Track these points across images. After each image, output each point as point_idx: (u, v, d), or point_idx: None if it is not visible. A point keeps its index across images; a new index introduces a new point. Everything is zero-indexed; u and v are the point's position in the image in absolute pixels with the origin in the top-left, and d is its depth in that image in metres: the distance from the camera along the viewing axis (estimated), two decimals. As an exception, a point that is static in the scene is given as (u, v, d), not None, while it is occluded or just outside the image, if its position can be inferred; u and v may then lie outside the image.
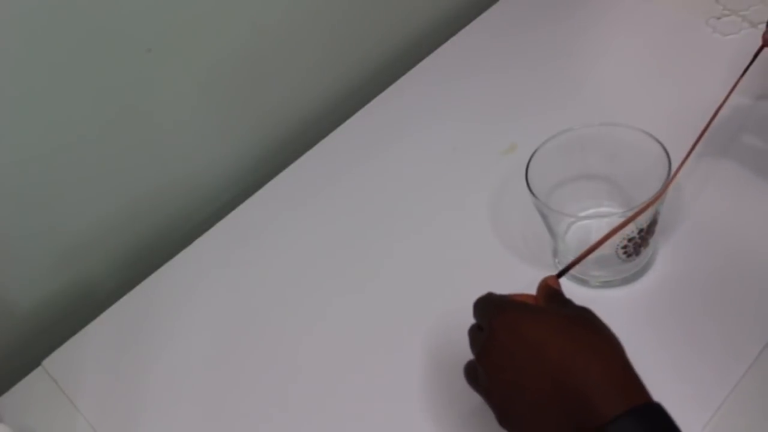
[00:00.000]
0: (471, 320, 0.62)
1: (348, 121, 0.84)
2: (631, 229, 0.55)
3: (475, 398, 0.57)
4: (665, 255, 0.61)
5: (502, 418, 0.46)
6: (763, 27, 0.79)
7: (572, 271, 0.61)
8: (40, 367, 0.68)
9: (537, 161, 0.59)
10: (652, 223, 0.57)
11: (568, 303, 0.48)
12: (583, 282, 0.61)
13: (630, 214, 0.53)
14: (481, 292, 0.63)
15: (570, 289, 0.60)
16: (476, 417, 0.56)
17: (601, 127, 0.59)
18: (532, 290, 0.51)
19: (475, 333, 0.49)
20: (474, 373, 0.49)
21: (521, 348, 0.44)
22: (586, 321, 0.45)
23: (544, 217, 0.58)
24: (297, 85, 0.83)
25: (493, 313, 0.47)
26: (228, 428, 0.60)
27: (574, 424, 0.41)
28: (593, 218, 0.62)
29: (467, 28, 0.90)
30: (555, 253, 0.63)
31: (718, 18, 0.81)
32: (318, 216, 0.75)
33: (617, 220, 0.53)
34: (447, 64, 0.87)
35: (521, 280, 0.62)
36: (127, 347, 0.68)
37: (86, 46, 0.63)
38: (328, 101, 0.87)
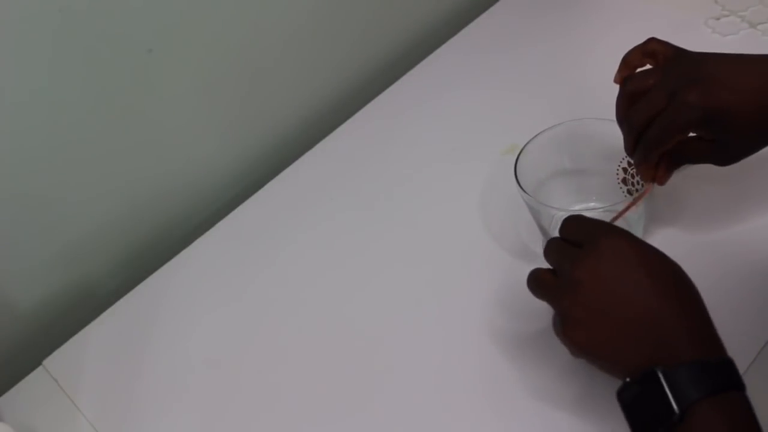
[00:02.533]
0: (472, 320, 0.62)
1: (348, 121, 0.84)
2: (618, 222, 0.55)
3: (473, 398, 0.57)
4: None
5: (572, 329, 0.48)
6: (763, 27, 0.79)
7: None
8: (40, 367, 0.68)
9: (526, 156, 0.59)
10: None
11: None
12: None
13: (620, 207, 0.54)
14: (481, 291, 0.63)
15: None
16: (476, 412, 0.56)
17: (591, 121, 0.60)
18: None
19: (561, 245, 0.51)
20: (539, 281, 0.51)
21: (625, 272, 0.47)
22: (679, 269, 0.48)
23: (532, 211, 0.59)
24: (297, 85, 0.83)
25: (603, 232, 0.49)
26: (228, 428, 0.60)
27: (648, 355, 0.44)
28: (581, 212, 0.62)
29: (467, 28, 0.90)
30: (543, 246, 0.63)
31: (717, 18, 0.81)
32: (318, 216, 0.75)
33: (605, 214, 0.54)
34: (447, 64, 0.87)
35: (516, 260, 0.62)
36: (127, 347, 0.68)
37: (86, 46, 0.63)
38: (328, 101, 0.87)
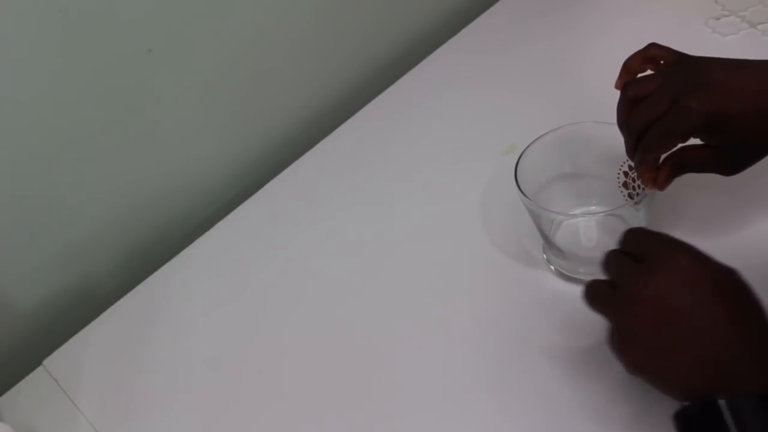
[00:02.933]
0: (473, 319, 0.62)
1: (348, 121, 0.84)
2: (620, 225, 0.55)
3: (471, 398, 0.57)
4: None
5: (630, 345, 0.46)
6: (763, 27, 0.79)
7: (564, 271, 0.61)
8: (40, 367, 0.68)
9: (527, 160, 0.59)
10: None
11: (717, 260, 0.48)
12: (574, 280, 0.60)
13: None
14: (481, 290, 0.63)
15: (563, 289, 0.60)
16: (474, 413, 0.56)
17: (591, 124, 0.60)
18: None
19: (621, 258, 0.48)
20: (597, 293, 0.49)
21: (689, 290, 0.45)
22: (746, 286, 0.46)
23: (533, 215, 0.59)
24: (297, 85, 0.83)
25: (667, 247, 0.47)
26: (228, 428, 0.60)
27: (710, 378, 0.42)
28: (581, 216, 0.62)
29: (467, 28, 0.90)
30: (544, 250, 0.63)
31: (717, 18, 0.81)
32: (318, 216, 0.75)
33: (605, 219, 0.53)
34: (447, 64, 0.87)
35: (526, 281, 0.62)
36: (127, 347, 0.68)
37: (87, 46, 0.63)
38: (328, 101, 0.87)
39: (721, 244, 0.58)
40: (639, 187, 0.59)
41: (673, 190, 0.56)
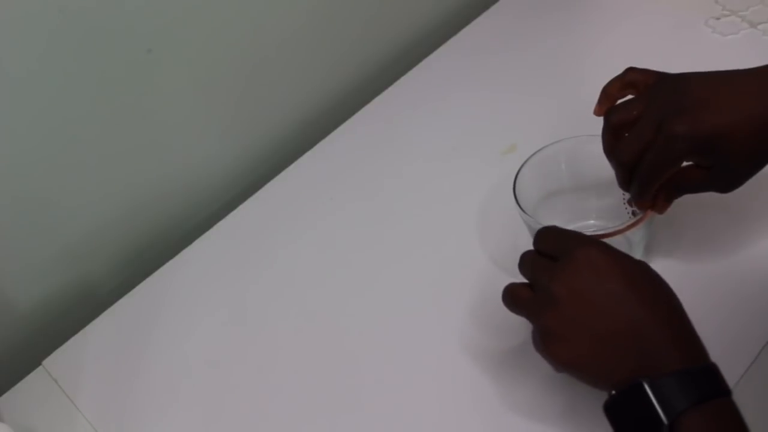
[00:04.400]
0: (472, 319, 0.62)
1: (348, 121, 0.84)
2: (619, 242, 0.54)
3: (467, 407, 0.57)
4: (662, 255, 0.61)
5: (553, 345, 0.47)
6: (763, 27, 0.79)
7: None
8: (40, 367, 0.68)
9: (525, 174, 0.58)
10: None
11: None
12: None
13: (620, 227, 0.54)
14: (481, 290, 0.63)
15: None
16: (469, 423, 0.56)
17: (590, 138, 0.59)
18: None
19: (536, 258, 0.50)
20: (516, 297, 0.50)
21: (603, 284, 0.46)
22: (657, 276, 0.47)
23: (531, 230, 0.58)
24: (297, 85, 0.83)
25: (576, 244, 0.48)
26: (228, 428, 0.60)
27: (632, 367, 0.44)
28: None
29: (467, 28, 0.90)
30: None
31: (718, 18, 0.81)
32: (318, 216, 0.75)
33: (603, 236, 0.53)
34: (447, 63, 0.87)
35: (513, 279, 0.62)
36: (127, 347, 0.68)
37: (86, 46, 0.63)
38: (328, 101, 0.87)
39: (720, 259, 0.58)
40: None
41: (672, 205, 0.56)
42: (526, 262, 0.51)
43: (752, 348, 0.55)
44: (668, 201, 0.56)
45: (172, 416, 0.62)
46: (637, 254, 0.59)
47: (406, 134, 0.80)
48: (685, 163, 0.53)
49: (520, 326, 0.60)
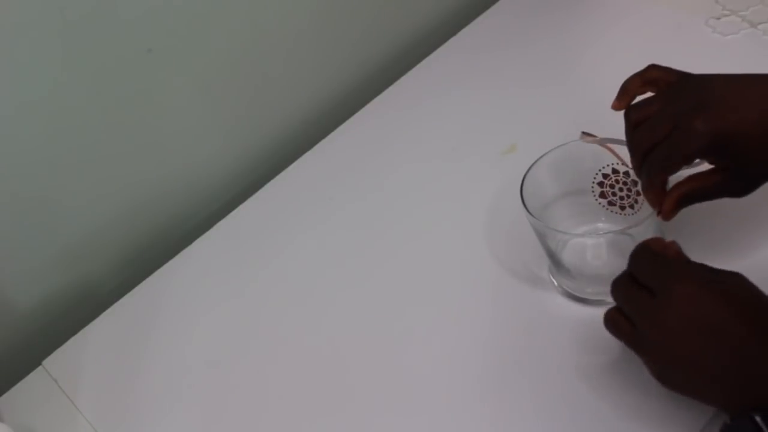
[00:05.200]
0: (472, 318, 0.62)
1: (348, 121, 0.84)
2: (628, 244, 0.54)
3: (473, 416, 0.57)
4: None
5: (665, 379, 0.48)
6: (764, 27, 0.79)
7: (569, 289, 0.60)
8: (40, 367, 0.68)
9: (532, 178, 0.58)
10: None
11: (718, 271, 0.48)
12: (581, 300, 0.60)
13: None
14: (482, 290, 0.63)
15: (567, 307, 0.60)
16: (474, 416, 0.56)
17: (597, 140, 0.58)
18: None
19: (631, 291, 0.49)
20: (619, 330, 0.49)
21: (705, 322, 0.45)
22: (758, 295, 0.46)
23: (538, 234, 0.58)
24: (297, 85, 0.83)
25: (674, 282, 0.47)
26: (228, 428, 0.60)
27: (751, 397, 0.44)
28: (588, 235, 0.61)
29: (467, 28, 0.90)
30: (550, 268, 0.62)
31: (718, 18, 0.81)
32: (318, 216, 0.75)
33: (614, 237, 0.53)
34: (447, 63, 0.87)
35: (521, 283, 0.62)
36: (127, 347, 0.68)
37: (87, 46, 0.63)
38: (328, 101, 0.87)
39: (732, 264, 0.57)
40: (620, 191, 0.58)
41: (683, 210, 0.55)
42: (620, 290, 0.50)
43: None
44: (676, 209, 0.54)
45: (172, 416, 0.62)
46: None
47: (406, 134, 0.80)
48: (697, 170, 0.52)
49: (522, 328, 0.60)
